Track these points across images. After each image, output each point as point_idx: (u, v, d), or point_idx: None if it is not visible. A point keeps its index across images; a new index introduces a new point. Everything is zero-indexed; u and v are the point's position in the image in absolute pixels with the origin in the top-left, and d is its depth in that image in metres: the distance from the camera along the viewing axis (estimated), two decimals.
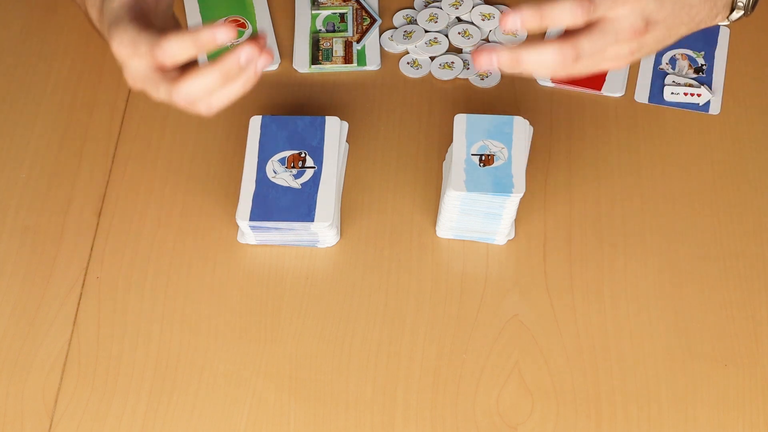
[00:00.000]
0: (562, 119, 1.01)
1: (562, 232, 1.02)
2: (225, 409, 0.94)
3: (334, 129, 1.05)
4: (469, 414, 0.93)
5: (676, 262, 1.01)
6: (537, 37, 0.93)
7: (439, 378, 0.95)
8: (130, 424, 0.93)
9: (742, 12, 0.99)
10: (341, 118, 1.07)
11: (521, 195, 0.98)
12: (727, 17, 0.99)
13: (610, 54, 0.92)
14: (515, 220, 1.03)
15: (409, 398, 0.94)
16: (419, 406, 0.94)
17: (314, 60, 1.14)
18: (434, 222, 1.03)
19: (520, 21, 0.89)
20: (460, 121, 1.04)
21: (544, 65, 0.91)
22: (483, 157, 0.99)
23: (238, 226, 1.03)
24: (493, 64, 0.90)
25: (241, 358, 0.96)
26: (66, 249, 1.02)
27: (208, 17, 1.16)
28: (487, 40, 1.15)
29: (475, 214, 1.00)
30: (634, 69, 1.12)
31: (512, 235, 1.03)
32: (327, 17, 1.17)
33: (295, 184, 1.02)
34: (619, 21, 0.92)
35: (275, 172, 1.02)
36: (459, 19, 1.17)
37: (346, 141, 1.07)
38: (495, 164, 0.98)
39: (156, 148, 1.08)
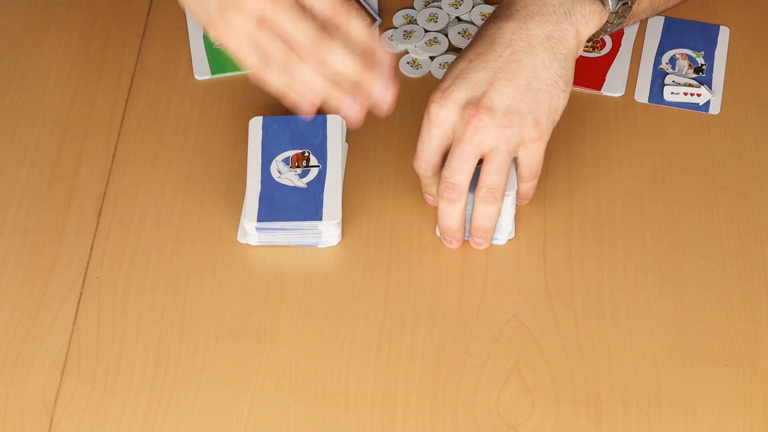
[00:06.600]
0: (561, 119, 1.01)
1: (562, 232, 1.02)
2: (225, 409, 0.94)
3: (336, 127, 1.05)
4: (469, 414, 0.93)
5: (676, 261, 1.01)
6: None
7: (439, 378, 0.95)
8: (130, 424, 0.93)
9: None
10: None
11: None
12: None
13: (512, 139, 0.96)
14: (515, 219, 1.03)
15: (409, 398, 0.94)
16: (419, 405, 0.94)
17: None
18: (434, 222, 1.03)
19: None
20: None
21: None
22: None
23: (238, 226, 1.03)
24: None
25: (241, 358, 0.96)
26: (66, 249, 1.02)
27: None
28: None
29: None
30: (634, 69, 1.12)
31: (512, 235, 1.03)
32: None
33: (301, 183, 1.02)
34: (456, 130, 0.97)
35: (280, 172, 1.02)
36: (459, 19, 1.17)
37: (346, 141, 1.07)
38: None
39: (156, 148, 1.08)
